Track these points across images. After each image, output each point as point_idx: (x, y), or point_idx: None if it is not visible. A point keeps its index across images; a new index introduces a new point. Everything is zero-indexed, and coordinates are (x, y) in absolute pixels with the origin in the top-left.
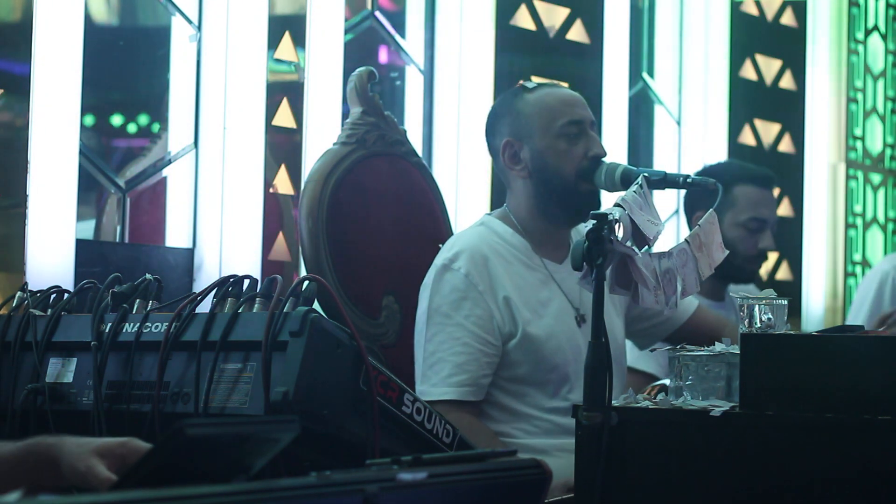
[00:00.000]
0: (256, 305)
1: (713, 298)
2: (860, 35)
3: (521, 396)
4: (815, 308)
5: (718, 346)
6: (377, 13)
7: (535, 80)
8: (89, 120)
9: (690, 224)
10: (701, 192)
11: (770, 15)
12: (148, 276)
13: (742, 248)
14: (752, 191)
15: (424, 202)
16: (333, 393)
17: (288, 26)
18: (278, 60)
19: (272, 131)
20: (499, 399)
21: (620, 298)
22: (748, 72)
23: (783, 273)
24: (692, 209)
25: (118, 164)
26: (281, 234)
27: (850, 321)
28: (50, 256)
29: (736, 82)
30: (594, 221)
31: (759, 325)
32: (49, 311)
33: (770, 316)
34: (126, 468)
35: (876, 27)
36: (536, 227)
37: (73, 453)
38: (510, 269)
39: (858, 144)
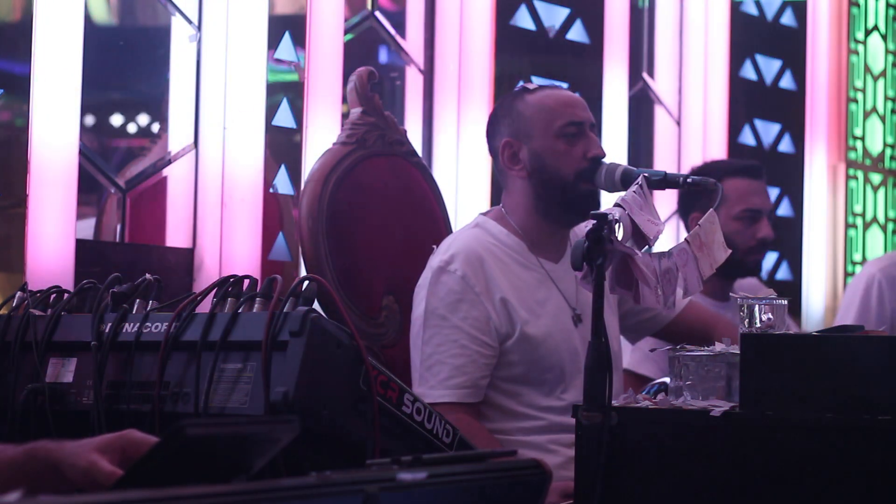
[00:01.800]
0: (256, 305)
1: (717, 298)
2: (860, 35)
3: (517, 396)
4: (815, 308)
5: (718, 346)
6: (377, 13)
7: (536, 81)
8: (89, 120)
9: (687, 226)
10: (695, 194)
11: (770, 15)
12: (148, 276)
13: (740, 242)
14: (740, 182)
15: (424, 202)
16: (333, 393)
17: (288, 26)
18: (278, 60)
19: (272, 131)
20: (494, 398)
21: (613, 296)
22: (748, 72)
23: (783, 273)
24: (687, 211)
25: (118, 164)
26: (281, 234)
27: (837, 323)
28: (50, 256)
29: (736, 82)
30: (594, 221)
31: (759, 325)
32: (49, 311)
33: (770, 316)
34: (128, 464)
35: (876, 27)
36: (534, 227)
37: (74, 453)
38: (506, 269)
39: (858, 144)
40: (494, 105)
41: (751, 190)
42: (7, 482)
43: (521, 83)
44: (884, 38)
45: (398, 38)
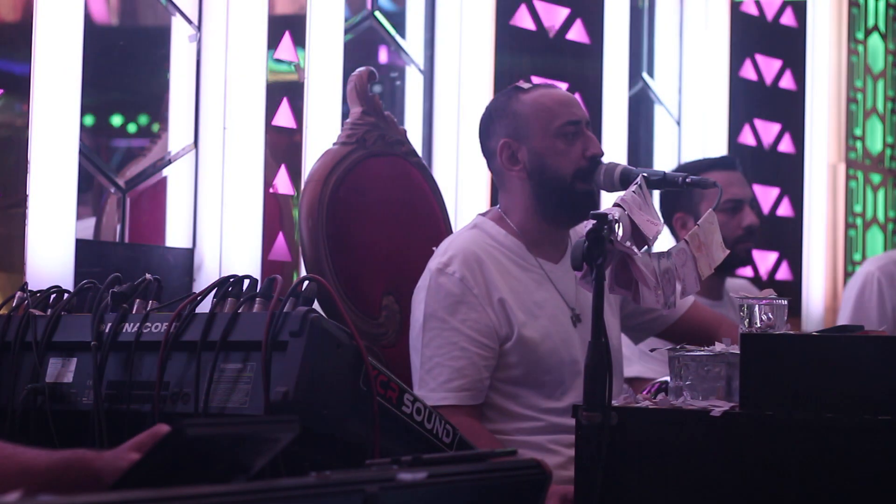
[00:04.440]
0: (256, 305)
1: (711, 297)
2: (860, 35)
3: (516, 397)
4: (815, 308)
5: (718, 346)
6: (377, 13)
7: (536, 80)
8: (89, 120)
9: (671, 226)
10: (675, 194)
11: (770, 15)
12: (148, 276)
13: (727, 232)
14: (716, 175)
15: (424, 202)
16: (333, 393)
17: (288, 26)
18: (278, 60)
19: (272, 131)
20: (494, 400)
21: (615, 297)
22: (748, 72)
23: (783, 273)
24: (671, 211)
25: (118, 164)
26: (281, 234)
27: (838, 322)
28: (50, 256)
29: (736, 82)
30: (594, 221)
31: (759, 325)
32: (49, 311)
33: (770, 316)
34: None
35: (876, 27)
36: (533, 228)
37: (113, 457)
38: (504, 270)
39: (858, 144)
40: (487, 105)
41: (727, 181)
42: (41, 488)
43: (514, 84)
44: (884, 38)
45: (398, 38)
